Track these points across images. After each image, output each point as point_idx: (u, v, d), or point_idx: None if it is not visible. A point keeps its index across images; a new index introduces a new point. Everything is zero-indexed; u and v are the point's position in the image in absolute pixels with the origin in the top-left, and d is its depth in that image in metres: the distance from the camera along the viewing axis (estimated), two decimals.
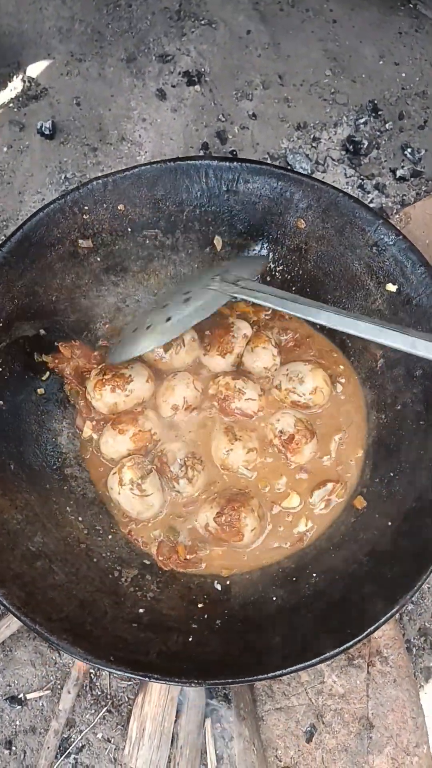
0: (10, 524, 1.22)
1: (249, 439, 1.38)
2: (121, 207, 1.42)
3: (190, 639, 1.17)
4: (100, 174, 2.17)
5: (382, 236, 1.35)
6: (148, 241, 1.48)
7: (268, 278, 1.51)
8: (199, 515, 1.36)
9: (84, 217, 1.39)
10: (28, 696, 1.75)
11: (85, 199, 1.38)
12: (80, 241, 1.41)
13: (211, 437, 1.42)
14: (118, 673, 1.08)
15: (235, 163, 1.40)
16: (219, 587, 1.29)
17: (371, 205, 2.20)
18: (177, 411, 1.43)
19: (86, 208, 1.39)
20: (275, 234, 1.46)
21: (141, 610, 1.22)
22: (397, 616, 1.65)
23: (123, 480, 1.33)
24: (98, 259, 1.45)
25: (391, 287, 1.37)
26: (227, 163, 1.40)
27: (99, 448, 1.41)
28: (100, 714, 1.72)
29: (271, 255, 1.49)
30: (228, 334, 1.45)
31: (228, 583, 1.29)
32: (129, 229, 1.45)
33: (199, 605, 1.25)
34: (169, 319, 1.29)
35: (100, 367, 1.42)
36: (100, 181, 1.37)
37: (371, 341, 1.13)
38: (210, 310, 1.28)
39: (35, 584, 1.16)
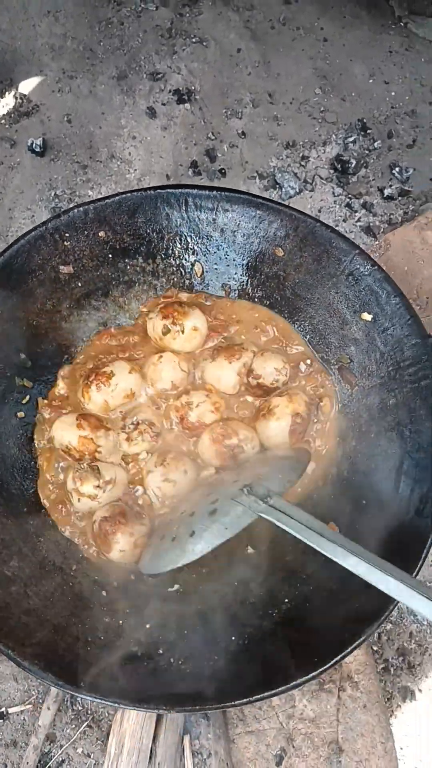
0: None
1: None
2: (101, 234, 1.44)
3: (161, 665, 1.20)
4: (89, 191, 2.20)
5: (358, 266, 1.37)
6: (129, 267, 1.50)
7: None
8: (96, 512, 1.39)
9: (65, 243, 1.42)
10: (10, 710, 1.77)
11: (66, 227, 1.40)
12: (61, 267, 1.44)
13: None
14: (89, 699, 1.11)
15: (214, 192, 1.42)
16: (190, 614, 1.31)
17: (358, 224, 2.22)
18: (166, 393, 1.47)
19: (67, 235, 1.41)
20: (254, 261, 1.48)
21: (113, 636, 1.24)
22: (372, 639, 1.67)
23: (89, 494, 1.36)
24: (79, 284, 1.47)
25: (367, 316, 1.39)
26: (207, 192, 1.42)
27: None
28: (81, 729, 1.74)
29: (250, 282, 1.51)
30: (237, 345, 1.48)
31: (200, 608, 1.31)
32: (110, 256, 1.47)
33: (169, 632, 1.27)
34: (193, 533, 1.22)
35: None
36: (81, 208, 1.40)
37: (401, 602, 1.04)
38: (234, 530, 1.19)
39: (9, 609, 1.19)
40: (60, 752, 1.72)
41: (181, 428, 1.43)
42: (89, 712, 1.76)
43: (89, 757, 1.73)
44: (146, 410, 1.44)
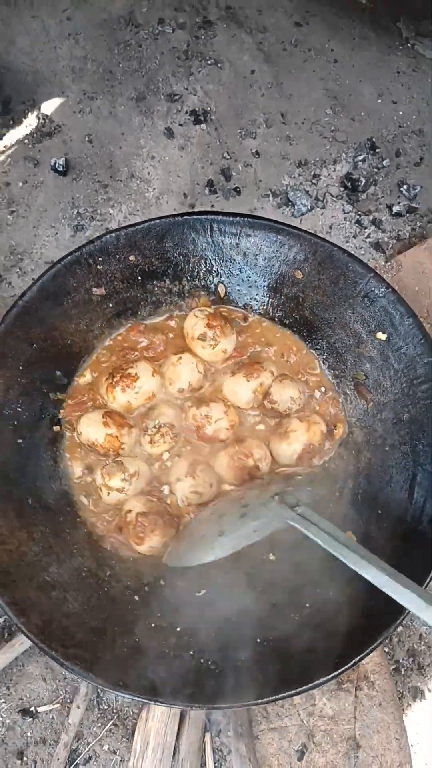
0: (27, 556, 1.32)
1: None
2: (132, 258, 1.52)
3: (192, 665, 1.28)
4: (110, 209, 2.29)
5: (373, 288, 1.45)
6: (156, 288, 1.58)
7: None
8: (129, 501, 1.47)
9: (98, 267, 1.50)
10: (39, 709, 1.85)
11: (99, 251, 1.49)
12: (94, 289, 1.52)
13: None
14: (127, 697, 1.19)
15: (237, 218, 1.50)
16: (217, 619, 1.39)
17: (368, 240, 2.30)
18: (183, 393, 1.55)
19: (100, 259, 1.50)
20: (275, 283, 1.57)
21: (147, 639, 1.32)
22: (386, 642, 1.75)
23: (117, 487, 1.45)
24: (110, 305, 1.56)
25: (382, 336, 1.47)
26: (230, 218, 1.50)
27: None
28: (107, 727, 1.82)
29: (270, 303, 1.60)
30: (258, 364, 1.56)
31: (226, 612, 1.40)
32: (139, 278, 1.56)
33: (199, 635, 1.35)
34: (222, 533, 1.30)
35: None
36: (113, 234, 1.48)
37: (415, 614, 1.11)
38: (263, 533, 1.28)
39: (51, 613, 1.27)
40: (87, 749, 1.80)
41: (196, 437, 1.52)
42: (114, 710, 1.84)
43: (115, 753, 1.80)
44: (166, 411, 1.53)
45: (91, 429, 1.49)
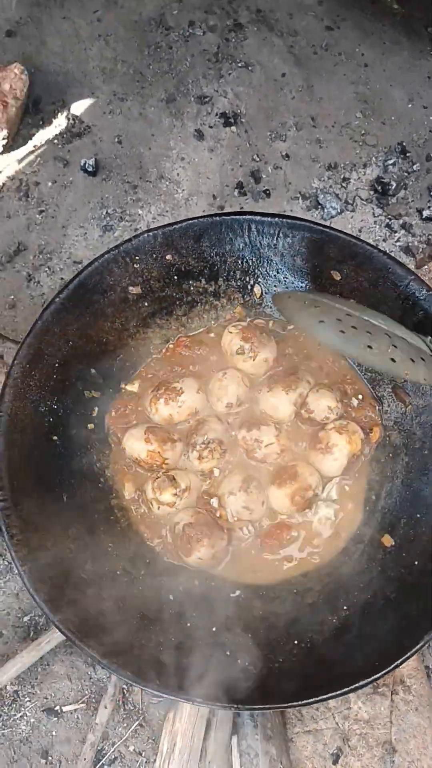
0: (63, 553, 1.32)
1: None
2: (168, 257, 1.52)
3: (229, 666, 1.27)
4: (139, 210, 2.29)
5: (414, 291, 1.45)
6: (192, 288, 1.58)
7: None
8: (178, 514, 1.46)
9: (135, 266, 1.50)
10: (64, 708, 1.85)
11: (137, 250, 1.49)
12: (130, 288, 1.52)
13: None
14: (164, 696, 1.18)
15: (276, 219, 1.50)
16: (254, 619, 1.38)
17: (398, 244, 2.29)
18: (231, 408, 1.54)
19: (137, 258, 1.50)
20: (311, 284, 1.56)
21: (183, 638, 1.32)
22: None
23: (168, 502, 1.44)
24: (146, 304, 1.56)
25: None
26: (269, 219, 1.50)
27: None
28: (132, 728, 1.81)
29: None
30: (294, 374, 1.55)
31: (263, 613, 1.39)
32: (175, 277, 1.55)
33: (236, 636, 1.34)
34: (369, 347, 1.33)
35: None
36: (150, 233, 1.48)
37: None
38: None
39: (87, 611, 1.27)
40: (112, 750, 1.79)
41: (246, 456, 1.52)
42: (140, 711, 1.83)
43: (140, 755, 1.80)
44: (214, 427, 1.51)
45: (135, 445, 1.49)
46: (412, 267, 2.17)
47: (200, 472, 1.50)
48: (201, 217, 1.50)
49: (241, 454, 1.52)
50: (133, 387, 1.59)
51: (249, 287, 1.60)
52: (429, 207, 2.33)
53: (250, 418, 1.54)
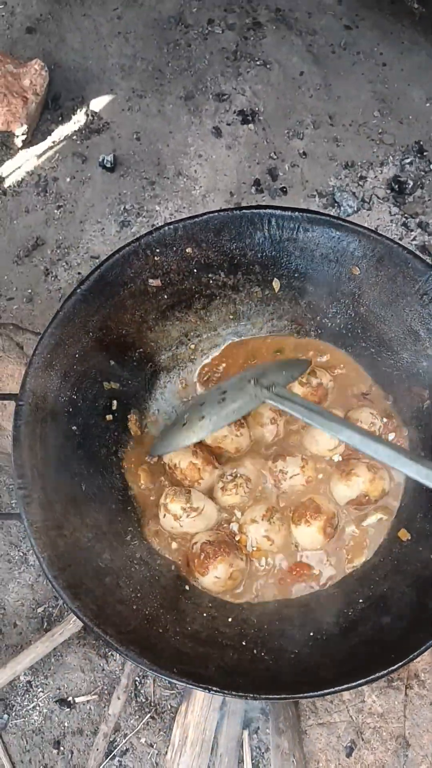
0: (81, 542, 1.33)
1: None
2: (189, 250, 1.53)
3: (245, 656, 1.28)
4: (157, 206, 2.30)
5: None
6: (211, 281, 1.58)
7: (325, 319, 1.61)
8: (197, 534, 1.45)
9: (155, 258, 1.51)
10: (77, 699, 1.86)
11: (157, 243, 1.49)
12: (150, 280, 1.53)
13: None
14: (182, 684, 1.19)
15: (296, 213, 1.50)
16: (269, 611, 1.39)
17: (414, 243, 2.29)
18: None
19: (157, 250, 1.50)
20: (331, 279, 1.56)
21: (199, 627, 1.32)
22: None
23: (174, 513, 1.43)
24: (165, 296, 1.56)
25: None
26: (289, 213, 1.50)
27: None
28: (144, 720, 1.82)
29: (326, 299, 1.59)
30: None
31: (277, 606, 1.39)
32: (195, 270, 1.56)
33: (250, 626, 1.35)
34: (203, 417, 1.38)
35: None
36: (171, 226, 1.48)
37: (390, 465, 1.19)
38: (241, 412, 1.37)
39: (105, 599, 1.27)
40: (124, 741, 1.80)
41: (274, 487, 1.51)
42: (152, 703, 1.84)
43: (152, 747, 1.81)
44: (246, 464, 1.51)
45: (178, 452, 1.47)
46: None
47: (222, 505, 1.48)
48: (221, 210, 1.50)
49: (265, 485, 1.51)
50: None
51: (268, 281, 1.60)
52: None
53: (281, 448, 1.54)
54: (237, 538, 1.44)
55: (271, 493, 1.50)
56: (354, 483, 1.45)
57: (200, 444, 1.49)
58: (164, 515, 1.44)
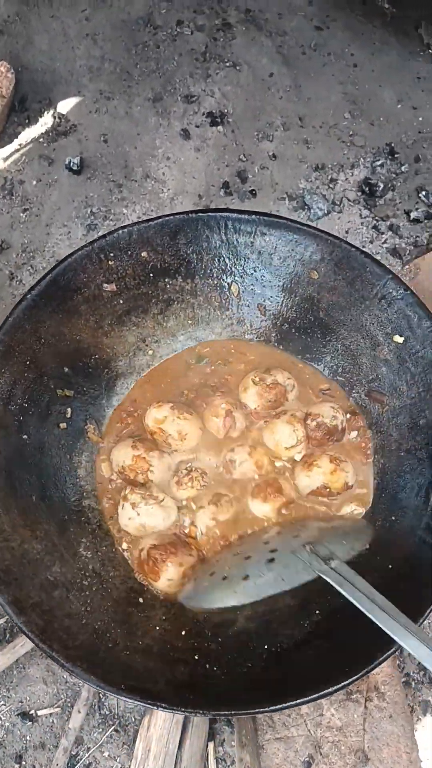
0: (30, 554, 1.30)
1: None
2: (144, 254, 1.50)
3: (197, 670, 1.24)
4: (124, 209, 2.27)
5: (391, 290, 1.42)
6: (168, 286, 1.56)
7: (285, 325, 1.58)
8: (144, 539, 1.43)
9: (109, 263, 1.48)
10: (39, 713, 1.82)
11: (111, 247, 1.47)
12: (104, 285, 1.50)
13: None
14: (129, 701, 1.15)
15: (253, 216, 1.48)
16: (224, 622, 1.35)
17: (385, 246, 2.27)
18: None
19: (112, 255, 1.47)
20: (289, 283, 1.54)
21: (150, 641, 1.29)
22: (396, 653, 1.70)
23: (132, 501, 1.41)
24: (121, 301, 1.54)
25: (398, 338, 1.44)
26: (246, 216, 1.48)
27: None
28: (107, 733, 1.78)
29: (284, 303, 1.57)
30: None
31: (233, 617, 1.36)
32: (151, 275, 1.53)
33: (204, 639, 1.31)
34: (246, 577, 1.24)
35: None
36: (125, 230, 1.46)
37: None
38: (291, 583, 1.21)
39: (53, 613, 1.24)
40: (87, 755, 1.76)
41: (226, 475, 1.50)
42: (116, 716, 1.80)
43: (115, 760, 1.77)
44: (203, 457, 1.50)
45: (120, 453, 1.48)
46: (398, 269, 2.14)
47: (178, 499, 1.47)
48: (176, 213, 1.48)
49: (217, 475, 1.50)
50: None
51: (226, 286, 1.58)
52: (417, 209, 2.31)
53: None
54: (186, 530, 1.44)
55: (226, 482, 1.50)
56: (314, 474, 1.45)
57: (141, 438, 1.48)
58: (123, 506, 1.42)
